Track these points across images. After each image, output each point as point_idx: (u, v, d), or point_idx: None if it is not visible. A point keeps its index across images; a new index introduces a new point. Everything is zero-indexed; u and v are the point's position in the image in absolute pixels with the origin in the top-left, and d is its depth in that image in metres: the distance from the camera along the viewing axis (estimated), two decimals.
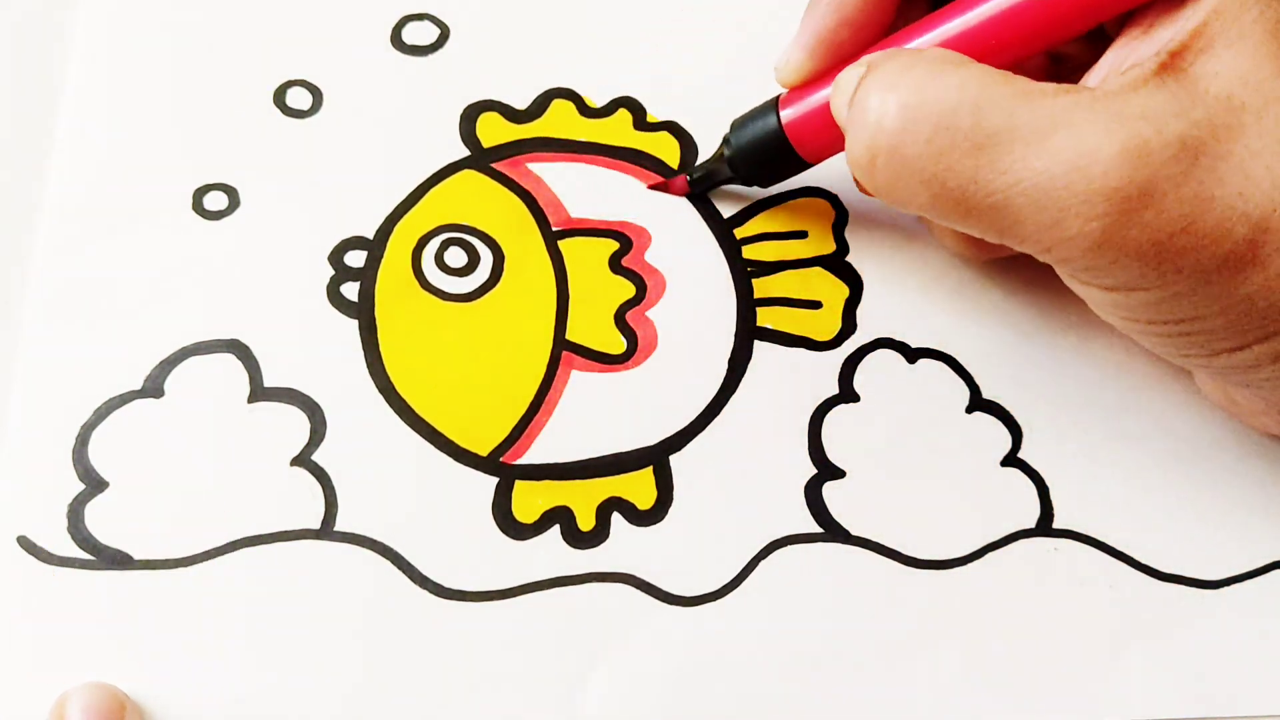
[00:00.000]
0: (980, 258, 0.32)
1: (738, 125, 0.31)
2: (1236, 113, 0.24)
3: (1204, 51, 0.25)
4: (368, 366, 0.31)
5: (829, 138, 0.29)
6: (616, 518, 0.30)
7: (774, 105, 0.30)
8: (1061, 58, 0.30)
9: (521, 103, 0.34)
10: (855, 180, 0.29)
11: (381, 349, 0.31)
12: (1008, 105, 0.25)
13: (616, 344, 0.32)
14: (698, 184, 0.33)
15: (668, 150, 0.34)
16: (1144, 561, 0.30)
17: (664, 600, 0.29)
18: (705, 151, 0.34)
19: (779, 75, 0.30)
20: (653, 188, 0.33)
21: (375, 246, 0.32)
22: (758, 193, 0.33)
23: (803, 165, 0.31)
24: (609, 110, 0.34)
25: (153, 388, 0.30)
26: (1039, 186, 0.24)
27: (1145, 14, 0.26)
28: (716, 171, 0.32)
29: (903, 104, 0.25)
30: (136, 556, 0.29)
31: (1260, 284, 0.24)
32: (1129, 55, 0.26)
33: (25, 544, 0.29)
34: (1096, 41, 0.28)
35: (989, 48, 0.27)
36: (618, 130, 0.34)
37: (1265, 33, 0.25)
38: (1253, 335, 0.25)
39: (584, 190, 0.33)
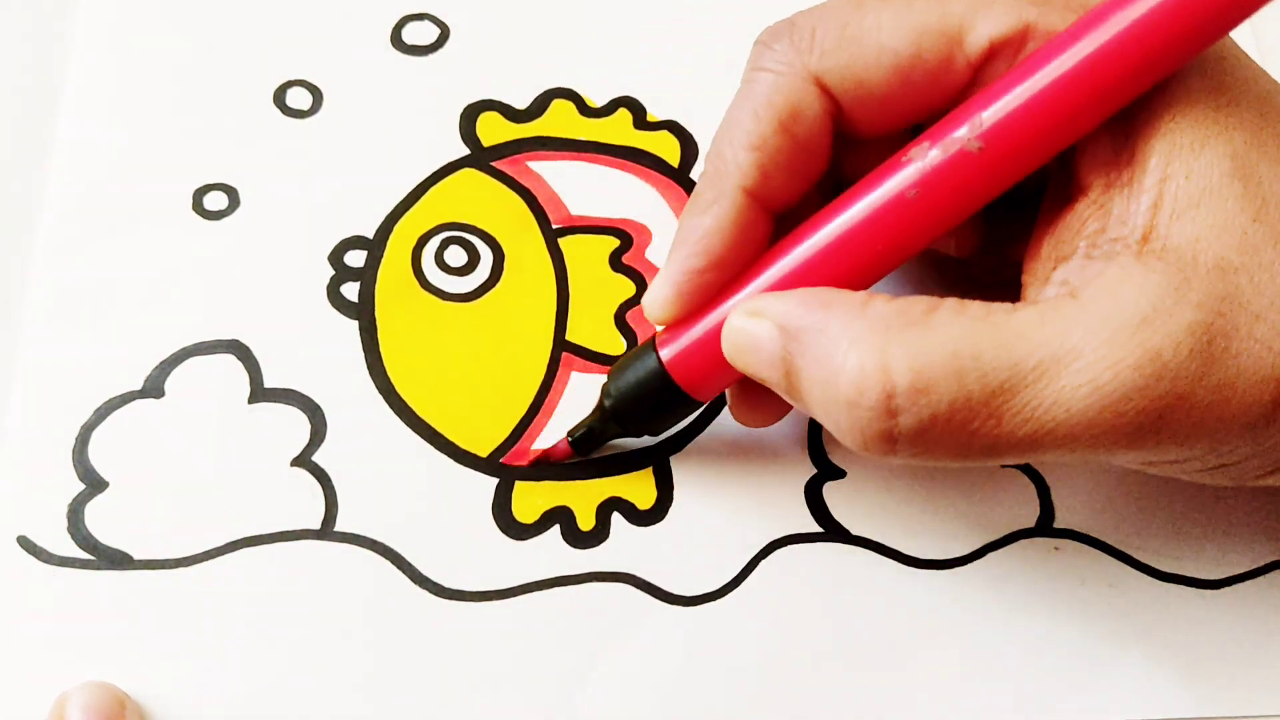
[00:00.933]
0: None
1: (615, 373, 0.29)
2: (1231, 277, 0.23)
3: (1177, 217, 0.23)
4: (368, 367, 0.31)
5: (718, 371, 0.27)
6: (616, 518, 0.30)
7: (651, 346, 0.28)
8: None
9: (521, 102, 0.34)
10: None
11: (381, 349, 0.31)
12: (1003, 351, 0.23)
13: (616, 344, 0.32)
14: (580, 444, 0.30)
15: (668, 150, 0.34)
16: (1144, 561, 0.30)
17: (664, 600, 0.29)
18: (705, 151, 0.34)
19: (649, 313, 0.27)
20: (532, 464, 0.30)
21: (375, 246, 0.32)
22: None
23: (693, 405, 0.28)
24: (609, 110, 0.34)
25: (153, 388, 0.30)
26: (1065, 424, 0.23)
27: (1084, 190, 0.25)
28: (600, 429, 0.29)
29: (913, 380, 0.23)
30: (136, 556, 0.29)
31: None
32: (1072, 238, 0.25)
33: (25, 544, 0.29)
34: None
35: (857, 267, 0.26)
36: (618, 130, 0.34)
37: (1224, 175, 0.23)
38: None
39: (584, 188, 0.33)
